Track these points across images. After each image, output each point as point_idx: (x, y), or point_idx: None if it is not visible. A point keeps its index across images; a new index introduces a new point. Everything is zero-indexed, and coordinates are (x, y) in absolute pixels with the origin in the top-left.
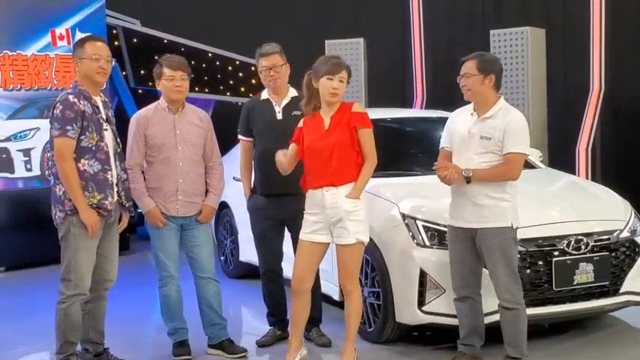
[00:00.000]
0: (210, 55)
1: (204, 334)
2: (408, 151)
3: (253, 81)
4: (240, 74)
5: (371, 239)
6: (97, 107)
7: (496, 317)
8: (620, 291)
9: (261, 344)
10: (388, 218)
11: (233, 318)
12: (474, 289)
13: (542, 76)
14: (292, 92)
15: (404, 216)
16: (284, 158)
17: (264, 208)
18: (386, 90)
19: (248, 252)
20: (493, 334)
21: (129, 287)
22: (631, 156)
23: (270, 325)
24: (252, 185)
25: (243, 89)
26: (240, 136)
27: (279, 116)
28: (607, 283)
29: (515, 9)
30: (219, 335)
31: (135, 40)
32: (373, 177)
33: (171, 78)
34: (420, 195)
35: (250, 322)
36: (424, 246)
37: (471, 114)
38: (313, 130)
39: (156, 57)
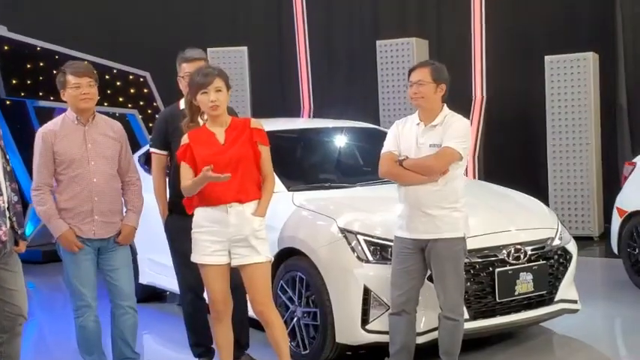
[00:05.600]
0: (85, 63)
1: None
2: (329, 163)
3: (132, 90)
4: (118, 83)
5: (306, 256)
6: None
7: (432, 335)
8: (555, 299)
9: None
10: (325, 234)
11: (145, 348)
12: (412, 305)
13: None
14: None
15: (342, 231)
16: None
17: (188, 228)
18: (268, 100)
19: (149, 274)
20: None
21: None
22: (514, 162)
23: (196, 357)
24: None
25: (121, 99)
26: (153, 150)
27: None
28: (544, 292)
29: (393, 21)
30: None
31: (5, 48)
32: (297, 191)
33: (77, 86)
34: (357, 208)
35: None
36: (367, 261)
37: (417, 124)
38: (205, 144)
39: (28, 65)
